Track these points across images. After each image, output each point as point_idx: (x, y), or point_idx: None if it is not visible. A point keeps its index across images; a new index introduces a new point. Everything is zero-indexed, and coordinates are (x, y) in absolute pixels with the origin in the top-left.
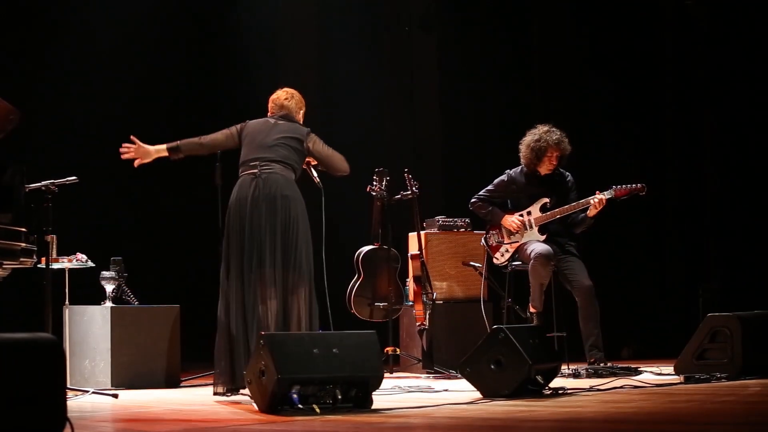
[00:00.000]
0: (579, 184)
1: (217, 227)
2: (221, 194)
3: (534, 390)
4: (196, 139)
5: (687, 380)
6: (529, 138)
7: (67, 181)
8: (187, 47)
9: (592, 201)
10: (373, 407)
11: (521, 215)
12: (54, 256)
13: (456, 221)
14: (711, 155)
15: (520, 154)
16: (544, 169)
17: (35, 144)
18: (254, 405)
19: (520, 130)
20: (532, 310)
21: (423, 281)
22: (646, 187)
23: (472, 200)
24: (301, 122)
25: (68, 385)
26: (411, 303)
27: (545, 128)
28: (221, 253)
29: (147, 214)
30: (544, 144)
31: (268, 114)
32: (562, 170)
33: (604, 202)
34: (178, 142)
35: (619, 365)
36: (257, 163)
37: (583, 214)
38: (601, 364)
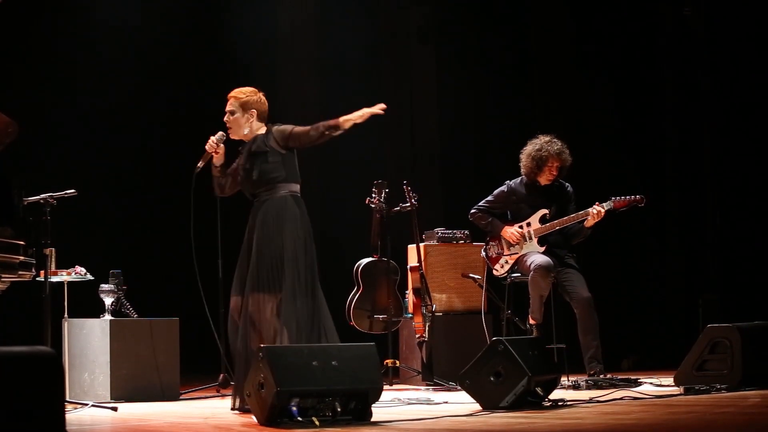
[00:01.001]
0: (578, 195)
1: (217, 240)
2: (220, 207)
3: (534, 402)
4: None
5: (687, 391)
6: (530, 147)
7: (65, 194)
8: (186, 62)
9: (591, 212)
10: (373, 420)
11: (521, 226)
12: (53, 269)
13: (455, 233)
14: (711, 166)
15: (521, 164)
16: (543, 180)
17: (34, 157)
18: (253, 418)
19: (519, 141)
20: (531, 321)
21: (422, 293)
22: (645, 199)
23: (472, 211)
24: None
25: (67, 398)
26: (410, 315)
27: (547, 138)
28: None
29: (146, 226)
30: (545, 154)
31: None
32: (561, 181)
33: (602, 213)
34: None
35: (619, 377)
36: None
37: (580, 225)
38: (601, 376)
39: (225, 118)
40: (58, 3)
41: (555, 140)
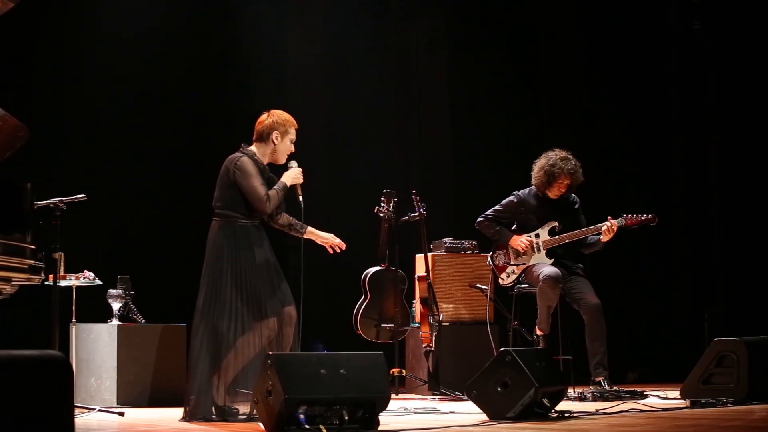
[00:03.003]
0: (587, 210)
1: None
2: None
3: (540, 413)
4: None
5: (693, 405)
6: (544, 161)
7: (75, 198)
8: (193, 70)
9: (603, 228)
10: (380, 428)
11: (529, 237)
12: (62, 273)
13: (463, 243)
14: (718, 179)
15: (532, 174)
16: (553, 194)
17: (44, 161)
18: (261, 425)
19: (528, 151)
20: (538, 332)
21: (429, 303)
22: (656, 218)
23: (479, 219)
24: (275, 144)
25: (74, 403)
26: (417, 324)
27: (562, 155)
28: None
29: (154, 232)
30: (558, 171)
31: None
32: (569, 194)
33: (614, 228)
34: None
35: (625, 389)
36: None
37: (596, 238)
38: (606, 383)
39: (292, 147)
40: (66, 8)
41: (570, 158)
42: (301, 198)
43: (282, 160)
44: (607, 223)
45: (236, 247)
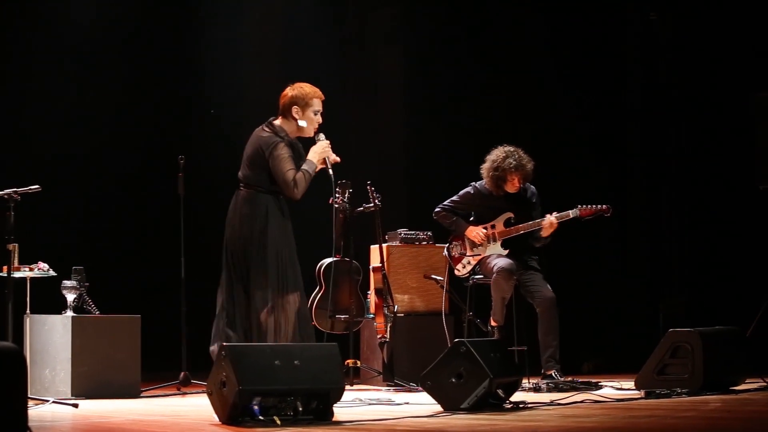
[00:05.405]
0: (545, 200)
1: (179, 237)
2: (183, 204)
3: (495, 404)
4: None
5: (648, 395)
6: (488, 165)
7: (29, 189)
8: (152, 62)
9: (543, 224)
10: (334, 419)
11: (485, 228)
12: (16, 264)
13: (418, 234)
14: (674, 171)
15: (482, 176)
16: (510, 190)
17: None
18: (215, 416)
19: (485, 142)
20: (493, 323)
21: (384, 294)
22: (611, 209)
23: (437, 210)
24: (298, 118)
25: (28, 395)
26: (372, 315)
27: (502, 154)
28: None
29: (109, 223)
30: (502, 173)
31: None
32: (527, 185)
33: (555, 225)
34: None
35: (580, 380)
36: None
37: (540, 231)
38: (558, 376)
39: (319, 118)
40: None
41: (511, 153)
42: (330, 171)
43: (310, 132)
44: (546, 219)
45: (283, 217)
